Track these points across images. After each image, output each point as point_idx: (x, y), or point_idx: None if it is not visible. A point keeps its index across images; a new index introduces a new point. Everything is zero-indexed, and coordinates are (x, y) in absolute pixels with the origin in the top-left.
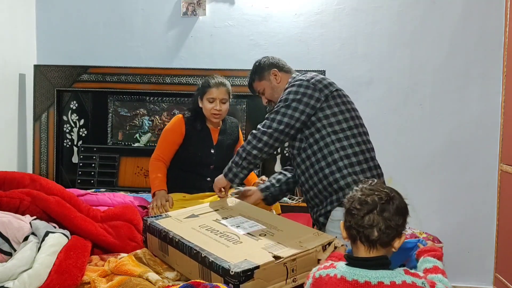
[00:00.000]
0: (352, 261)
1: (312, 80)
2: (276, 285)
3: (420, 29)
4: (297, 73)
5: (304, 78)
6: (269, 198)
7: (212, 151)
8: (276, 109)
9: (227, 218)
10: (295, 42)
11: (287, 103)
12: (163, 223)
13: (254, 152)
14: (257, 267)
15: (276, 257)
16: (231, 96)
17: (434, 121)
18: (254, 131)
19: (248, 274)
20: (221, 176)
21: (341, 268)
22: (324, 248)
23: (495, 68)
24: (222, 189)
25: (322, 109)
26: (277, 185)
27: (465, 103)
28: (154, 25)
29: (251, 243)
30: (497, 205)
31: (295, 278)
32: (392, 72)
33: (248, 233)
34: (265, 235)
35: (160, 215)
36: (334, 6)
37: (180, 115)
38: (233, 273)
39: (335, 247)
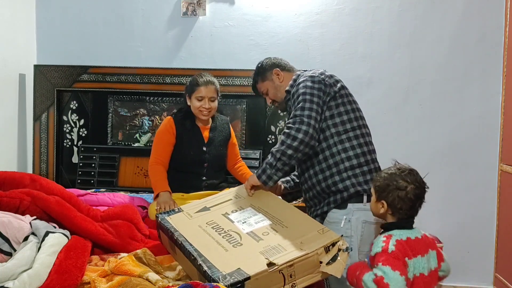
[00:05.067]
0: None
1: (322, 76)
2: None
3: (420, 29)
4: (301, 71)
5: (314, 74)
6: (287, 196)
7: (204, 148)
8: (300, 105)
9: (236, 211)
10: (295, 42)
11: (307, 97)
12: (173, 220)
13: (289, 151)
14: (248, 278)
15: (270, 264)
16: (219, 94)
17: (434, 121)
18: (286, 130)
19: (238, 286)
20: (254, 177)
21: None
22: (326, 249)
23: (495, 68)
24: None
25: (329, 108)
26: (297, 180)
27: (465, 103)
28: (154, 25)
29: (250, 245)
30: (497, 205)
31: (295, 283)
32: (392, 72)
33: (251, 231)
34: (268, 233)
35: (173, 210)
36: (334, 6)
37: (169, 117)
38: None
39: (339, 250)
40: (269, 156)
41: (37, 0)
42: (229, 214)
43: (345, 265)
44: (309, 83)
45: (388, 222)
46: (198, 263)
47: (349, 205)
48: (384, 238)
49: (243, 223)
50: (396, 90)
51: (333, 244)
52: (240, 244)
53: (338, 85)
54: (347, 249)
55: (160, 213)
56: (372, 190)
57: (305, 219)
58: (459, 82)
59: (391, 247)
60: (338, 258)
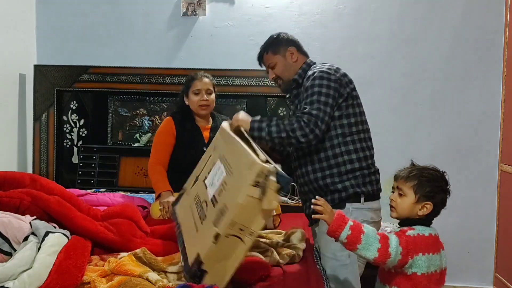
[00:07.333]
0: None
1: (338, 75)
2: (237, 251)
3: (420, 29)
4: (312, 61)
5: (330, 71)
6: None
7: (205, 149)
8: (315, 105)
9: (211, 169)
10: None
11: (322, 99)
12: (178, 208)
13: (291, 140)
14: (201, 263)
15: (216, 236)
16: (216, 89)
17: (434, 121)
18: (301, 124)
19: (199, 275)
20: (247, 118)
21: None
22: (256, 185)
23: (495, 68)
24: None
25: (339, 108)
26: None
27: (465, 103)
28: (154, 25)
29: (210, 215)
30: (497, 205)
31: (251, 231)
32: (392, 72)
33: (213, 196)
34: (222, 191)
35: (181, 194)
36: (334, 6)
37: (169, 117)
38: (188, 279)
39: (265, 177)
40: (274, 122)
41: (37, 0)
42: (206, 178)
43: (276, 193)
44: (325, 81)
45: (412, 218)
46: (183, 264)
47: (347, 205)
48: (406, 227)
49: (211, 185)
50: (396, 90)
51: (261, 176)
52: (205, 217)
53: (351, 85)
54: (269, 172)
55: (173, 204)
56: (408, 191)
57: (244, 155)
58: (459, 82)
59: (410, 233)
60: (267, 187)
